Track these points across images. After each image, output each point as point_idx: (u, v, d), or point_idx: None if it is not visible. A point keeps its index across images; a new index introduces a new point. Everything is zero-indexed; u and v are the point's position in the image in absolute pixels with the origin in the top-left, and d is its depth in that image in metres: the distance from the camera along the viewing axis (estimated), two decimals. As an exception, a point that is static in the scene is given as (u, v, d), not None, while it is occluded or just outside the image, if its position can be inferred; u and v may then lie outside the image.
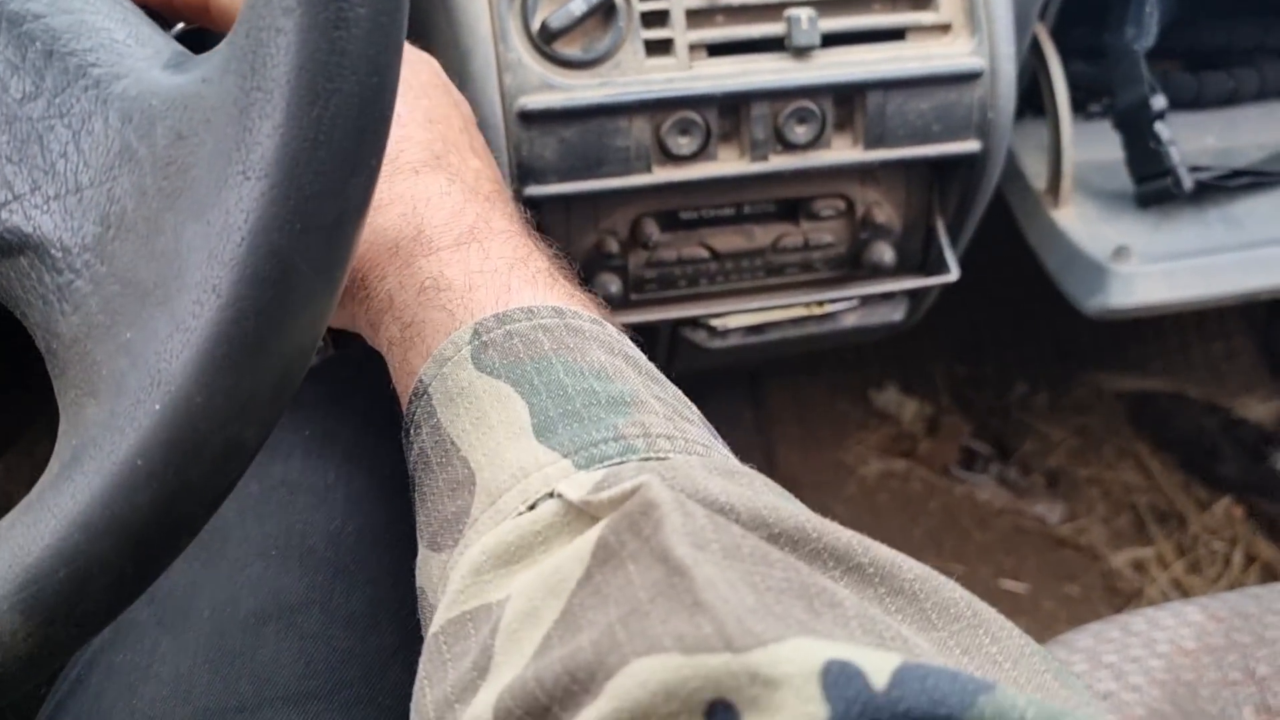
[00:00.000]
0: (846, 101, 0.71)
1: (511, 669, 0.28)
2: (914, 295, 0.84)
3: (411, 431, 0.39)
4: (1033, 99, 0.95)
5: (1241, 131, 0.99)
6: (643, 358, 0.41)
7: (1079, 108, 1.00)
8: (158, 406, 0.27)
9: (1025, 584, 1.41)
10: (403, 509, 0.50)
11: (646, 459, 0.33)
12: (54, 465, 0.28)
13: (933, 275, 0.80)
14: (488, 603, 0.31)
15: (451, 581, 0.32)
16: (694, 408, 0.40)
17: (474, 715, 0.28)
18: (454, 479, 0.35)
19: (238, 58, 0.27)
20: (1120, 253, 0.83)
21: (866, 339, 0.88)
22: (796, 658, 0.23)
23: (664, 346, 0.84)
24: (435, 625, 0.32)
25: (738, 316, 0.79)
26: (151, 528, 0.28)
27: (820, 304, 0.79)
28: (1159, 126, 0.86)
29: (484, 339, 0.37)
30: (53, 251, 0.28)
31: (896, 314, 0.83)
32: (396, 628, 0.46)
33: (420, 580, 0.36)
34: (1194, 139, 0.98)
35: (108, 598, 0.28)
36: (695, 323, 0.79)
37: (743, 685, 0.23)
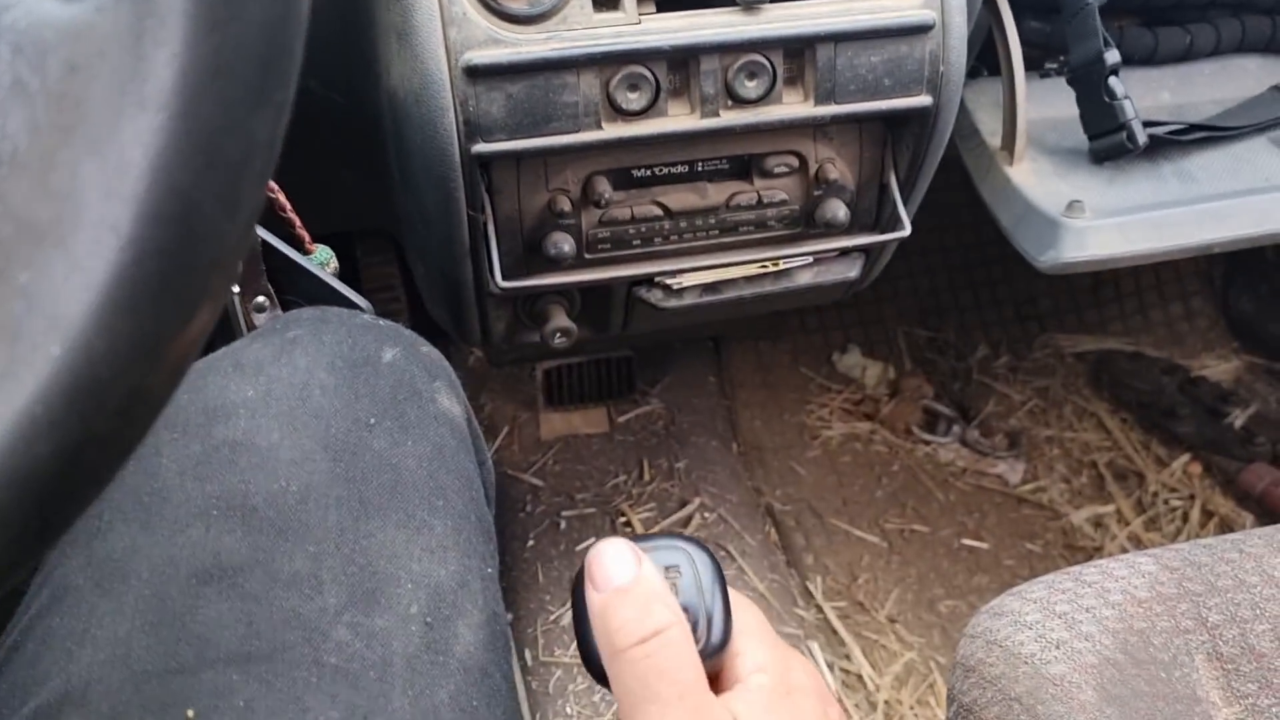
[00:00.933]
0: (796, 55, 0.70)
1: None
2: (869, 252, 0.84)
3: None
4: (987, 57, 0.95)
5: (1197, 87, 0.99)
6: None
7: (1034, 65, 0.99)
8: (56, 351, 0.26)
9: (986, 542, 1.42)
10: (346, 470, 0.49)
11: None
12: (-49, 415, 0.27)
13: (886, 231, 0.79)
14: None
15: None
16: None
17: None
18: None
19: (134, -14, 0.26)
20: (1073, 207, 0.83)
21: (824, 297, 0.88)
22: None
23: (620, 307, 0.83)
24: None
25: (693, 275, 0.78)
26: (54, 479, 0.27)
27: (775, 261, 0.78)
28: (1113, 81, 0.85)
29: None
30: (-57, 192, 0.27)
31: (852, 271, 0.82)
32: (340, 588, 0.45)
33: None
34: (1149, 95, 0.98)
35: (10, 554, 0.27)
36: (651, 282, 0.79)
37: None
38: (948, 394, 1.61)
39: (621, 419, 1.49)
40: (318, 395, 0.51)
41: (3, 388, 0.26)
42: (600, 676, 0.41)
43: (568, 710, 1.13)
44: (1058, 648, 0.62)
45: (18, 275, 0.26)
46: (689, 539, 0.44)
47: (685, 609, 0.40)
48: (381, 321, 0.56)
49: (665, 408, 1.51)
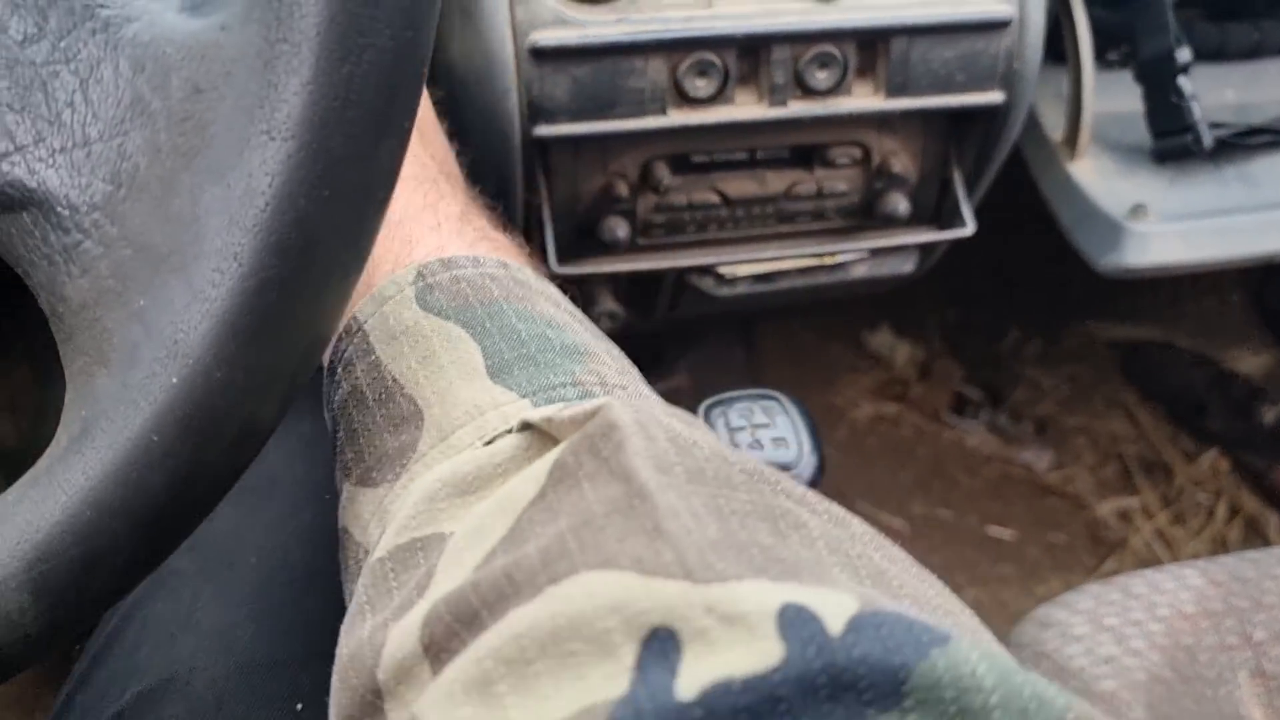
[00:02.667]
0: (870, 47, 0.68)
1: (451, 582, 0.27)
2: (924, 248, 0.83)
3: (340, 369, 0.36)
4: (1050, 45, 0.92)
5: (1263, 86, 0.97)
6: (586, 318, 0.40)
7: (1097, 55, 0.97)
8: (174, 380, 0.25)
9: (1011, 530, 1.42)
10: None
11: None
12: (62, 437, 0.27)
13: (947, 228, 0.78)
14: (441, 532, 0.30)
15: (402, 508, 0.31)
16: (637, 371, 0.39)
17: (404, 626, 0.27)
18: (396, 415, 0.33)
19: (261, 4, 0.25)
20: (1137, 211, 0.81)
21: (875, 290, 0.87)
22: (755, 597, 0.22)
23: (669, 292, 0.82)
24: (381, 550, 0.31)
25: (746, 265, 0.77)
26: (165, 508, 0.26)
27: (831, 254, 0.77)
28: (1182, 80, 0.83)
29: (429, 281, 0.35)
30: (59, 209, 0.26)
31: (907, 266, 0.81)
32: None
33: (344, 519, 0.34)
34: (1214, 92, 0.96)
35: (117, 578, 0.27)
36: (703, 270, 0.78)
37: (695, 615, 0.22)
38: (977, 378, 1.60)
39: (649, 392, 1.48)
40: None
41: (119, 414, 0.26)
42: None
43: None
44: (1107, 663, 0.62)
45: (135, 299, 0.26)
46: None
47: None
48: None
49: (693, 384, 1.50)
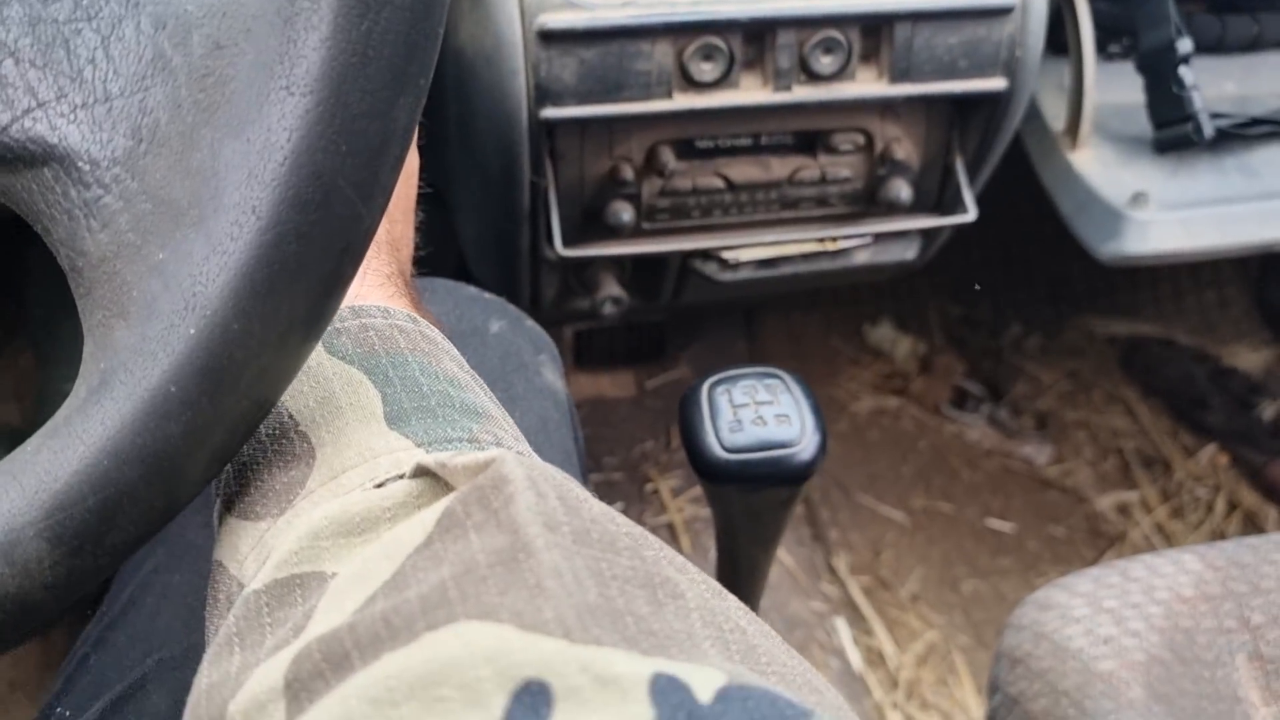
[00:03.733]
0: (874, 32, 0.69)
1: (328, 624, 0.26)
2: (927, 234, 0.83)
3: None
4: (1051, 37, 0.93)
5: (1262, 78, 0.97)
6: (487, 388, 0.39)
7: (1099, 48, 0.98)
8: (192, 331, 0.26)
9: (1011, 524, 1.42)
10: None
11: None
12: (80, 389, 0.27)
13: (949, 215, 0.78)
14: (322, 571, 0.29)
15: (284, 543, 0.30)
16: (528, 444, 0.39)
17: (272, 663, 0.26)
18: (289, 452, 0.33)
19: (280, -38, 0.25)
20: (1138, 199, 0.82)
21: (877, 277, 0.87)
22: (628, 663, 0.23)
23: (673, 277, 0.82)
24: (258, 583, 0.30)
25: (749, 250, 0.77)
26: (182, 458, 0.27)
27: (834, 239, 0.78)
28: (1183, 71, 0.84)
29: (337, 326, 0.35)
30: (80, 164, 0.27)
31: (909, 252, 0.82)
32: None
33: (219, 552, 0.33)
34: (1214, 84, 0.96)
35: (135, 528, 0.27)
36: (706, 254, 0.78)
37: (570, 673, 0.22)
38: (978, 372, 1.60)
39: (650, 384, 1.48)
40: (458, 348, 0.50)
41: (137, 365, 0.26)
42: (711, 476, 0.46)
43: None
44: (1106, 643, 0.62)
45: (155, 253, 0.26)
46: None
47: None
48: (486, 294, 0.55)
49: (695, 374, 1.51)
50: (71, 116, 0.26)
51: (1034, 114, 0.92)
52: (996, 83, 0.71)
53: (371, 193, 0.27)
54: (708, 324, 1.56)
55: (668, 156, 0.72)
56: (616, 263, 0.81)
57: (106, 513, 0.26)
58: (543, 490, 0.27)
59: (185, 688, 0.32)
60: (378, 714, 0.23)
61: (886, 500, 1.40)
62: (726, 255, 0.77)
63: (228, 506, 0.33)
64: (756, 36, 0.68)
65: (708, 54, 0.67)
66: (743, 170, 0.75)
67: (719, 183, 0.75)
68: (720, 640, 0.26)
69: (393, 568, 0.27)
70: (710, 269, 0.79)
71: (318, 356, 0.34)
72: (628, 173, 0.72)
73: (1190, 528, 1.43)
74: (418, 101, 0.27)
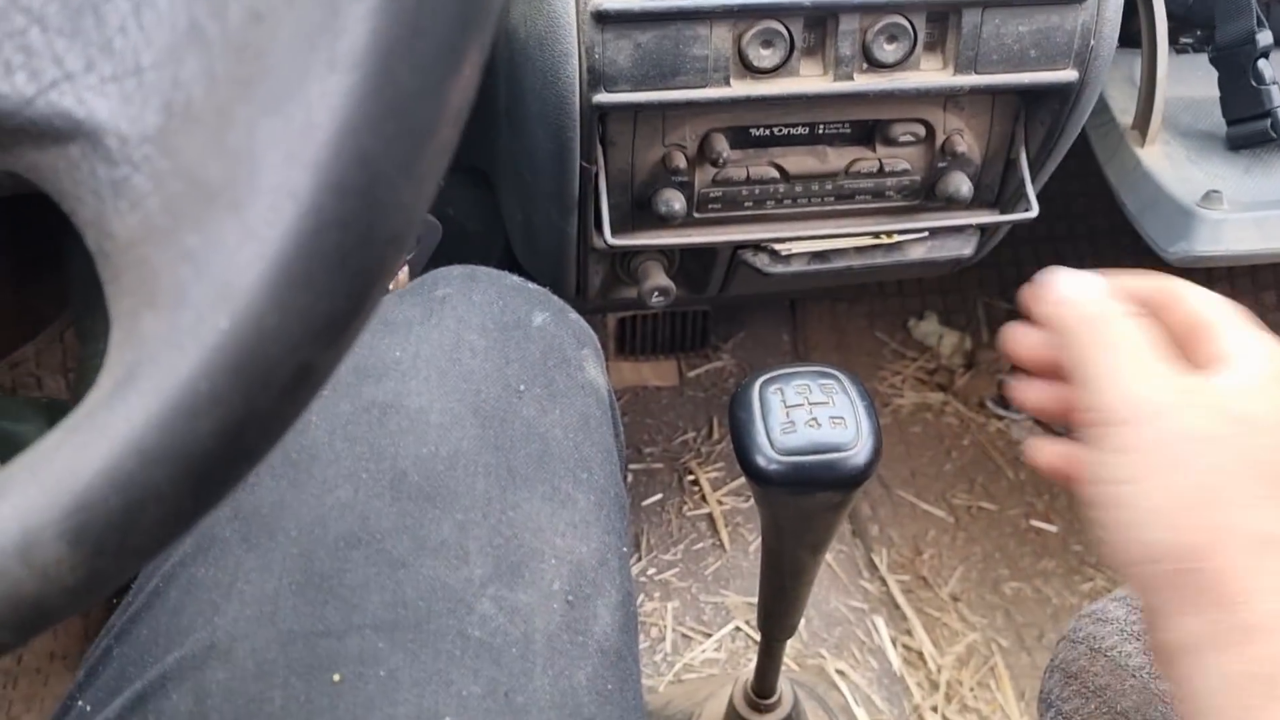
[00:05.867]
0: (940, 19, 0.66)
1: None
2: (985, 230, 0.80)
3: None
4: (1121, 29, 0.89)
5: (1344, 74, 0.93)
6: None
7: (1170, 39, 0.94)
8: (225, 324, 0.24)
9: (1055, 525, 1.39)
10: (494, 437, 0.47)
11: None
12: (105, 381, 0.26)
13: (1010, 211, 0.75)
14: None
15: None
16: None
17: None
18: None
19: (326, -73, 0.23)
20: (1210, 197, 0.78)
21: (931, 273, 0.84)
22: None
23: (722, 268, 0.80)
24: None
25: (802, 242, 0.75)
26: (212, 458, 0.25)
27: (890, 234, 0.75)
28: (1263, 64, 0.80)
29: None
30: (108, 141, 0.25)
31: (966, 248, 0.79)
32: (486, 560, 0.44)
33: None
34: (1292, 80, 0.92)
35: (160, 530, 0.26)
36: (758, 246, 0.76)
37: None
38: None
39: (692, 373, 1.46)
40: (468, 357, 0.49)
41: (166, 359, 0.24)
42: (761, 478, 0.50)
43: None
44: (1133, 676, 0.59)
45: (186, 238, 0.24)
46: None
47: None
48: (530, 285, 0.54)
49: (737, 365, 1.48)
50: (100, 89, 0.25)
51: (1101, 108, 0.88)
52: (1067, 74, 0.68)
53: (420, 178, 0.25)
54: (751, 314, 1.53)
55: (722, 145, 0.69)
56: (664, 253, 0.79)
57: (130, 514, 0.25)
58: None
59: (204, 690, 0.30)
60: None
61: (928, 497, 1.38)
62: (779, 247, 0.75)
63: None
64: (818, 22, 0.65)
65: (767, 40, 0.64)
66: (798, 160, 0.72)
67: (773, 173, 0.72)
68: None
69: None
70: (761, 261, 0.76)
71: None
72: (680, 161, 0.70)
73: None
74: (472, 80, 0.25)
